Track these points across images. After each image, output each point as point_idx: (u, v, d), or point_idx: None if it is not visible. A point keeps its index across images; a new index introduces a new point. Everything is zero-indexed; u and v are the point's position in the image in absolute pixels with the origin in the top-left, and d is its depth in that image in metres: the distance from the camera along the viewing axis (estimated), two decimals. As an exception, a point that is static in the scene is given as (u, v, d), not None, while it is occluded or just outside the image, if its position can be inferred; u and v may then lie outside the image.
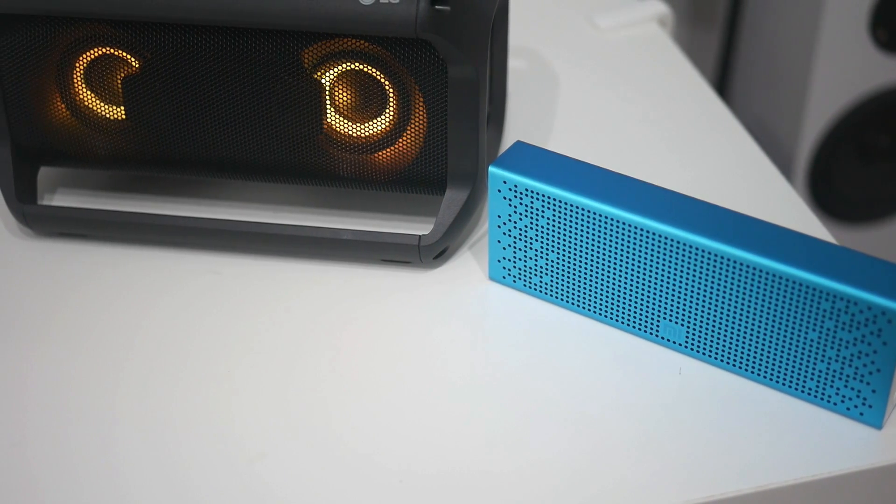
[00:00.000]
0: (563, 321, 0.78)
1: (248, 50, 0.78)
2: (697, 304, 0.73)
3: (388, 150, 0.81)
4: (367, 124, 0.80)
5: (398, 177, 0.82)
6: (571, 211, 0.75)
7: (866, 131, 1.65)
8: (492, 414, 0.72)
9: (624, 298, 0.76)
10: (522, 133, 0.96)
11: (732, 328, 0.73)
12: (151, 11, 0.76)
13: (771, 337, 0.72)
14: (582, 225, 0.75)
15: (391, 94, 0.79)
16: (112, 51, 0.80)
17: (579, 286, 0.78)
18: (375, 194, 0.87)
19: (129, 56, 0.80)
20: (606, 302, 0.77)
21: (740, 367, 0.74)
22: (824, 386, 0.71)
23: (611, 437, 0.70)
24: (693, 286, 0.73)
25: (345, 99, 0.80)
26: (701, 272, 0.72)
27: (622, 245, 0.74)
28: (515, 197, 0.77)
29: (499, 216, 0.78)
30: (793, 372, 0.72)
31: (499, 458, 0.69)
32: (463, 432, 0.71)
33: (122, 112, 0.82)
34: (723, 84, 1.73)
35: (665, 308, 0.75)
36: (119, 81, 0.81)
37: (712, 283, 0.72)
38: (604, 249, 0.75)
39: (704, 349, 0.75)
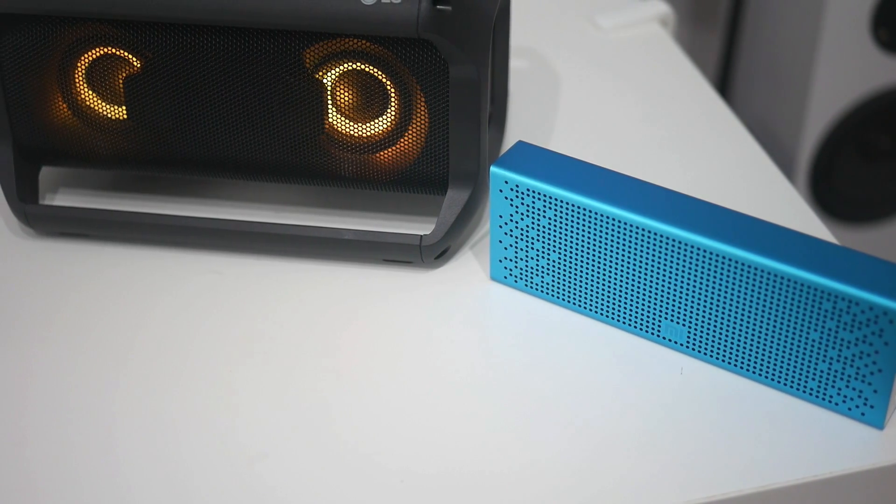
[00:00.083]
0: (564, 321, 0.78)
1: (249, 50, 0.78)
2: (699, 304, 0.73)
3: (390, 149, 0.80)
4: (368, 124, 0.80)
5: (400, 177, 0.81)
6: (573, 211, 0.75)
7: (868, 131, 1.65)
8: (493, 414, 0.72)
9: (625, 298, 0.76)
10: (524, 133, 0.96)
11: (734, 328, 0.73)
12: (153, 11, 0.76)
13: (772, 337, 0.72)
14: (583, 225, 0.75)
15: (393, 94, 0.79)
16: (114, 51, 0.80)
17: (581, 286, 0.78)
18: (377, 194, 0.87)
19: (130, 56, 0.80)
20: (608, 302, 0.77)
21: (742, 368, 0.74)
22: (826, 386, 0.71)
23: (611, 437, 0.70)
24: (694, 286, 0.73)
25: (346, 99, 0.79)
26: (702, 272, 0.72)
27: (624, 245, 0.74)
28: (517, 197, 0.77)
29: (500, 216, 0.78)
30: (794, 372, 0.72)
31: (499, 458, 0.69)
32: (464, 432, 0.71)
33: (124, 112, 0.82)
34: (724, 84, 1.73)
35: (666, 308, 0.75)
36: (121, 81, 0.81)
37: (714, 283, 0.72)
38: (605, 249, 0.75)
39: (706, 349, 0.75)
